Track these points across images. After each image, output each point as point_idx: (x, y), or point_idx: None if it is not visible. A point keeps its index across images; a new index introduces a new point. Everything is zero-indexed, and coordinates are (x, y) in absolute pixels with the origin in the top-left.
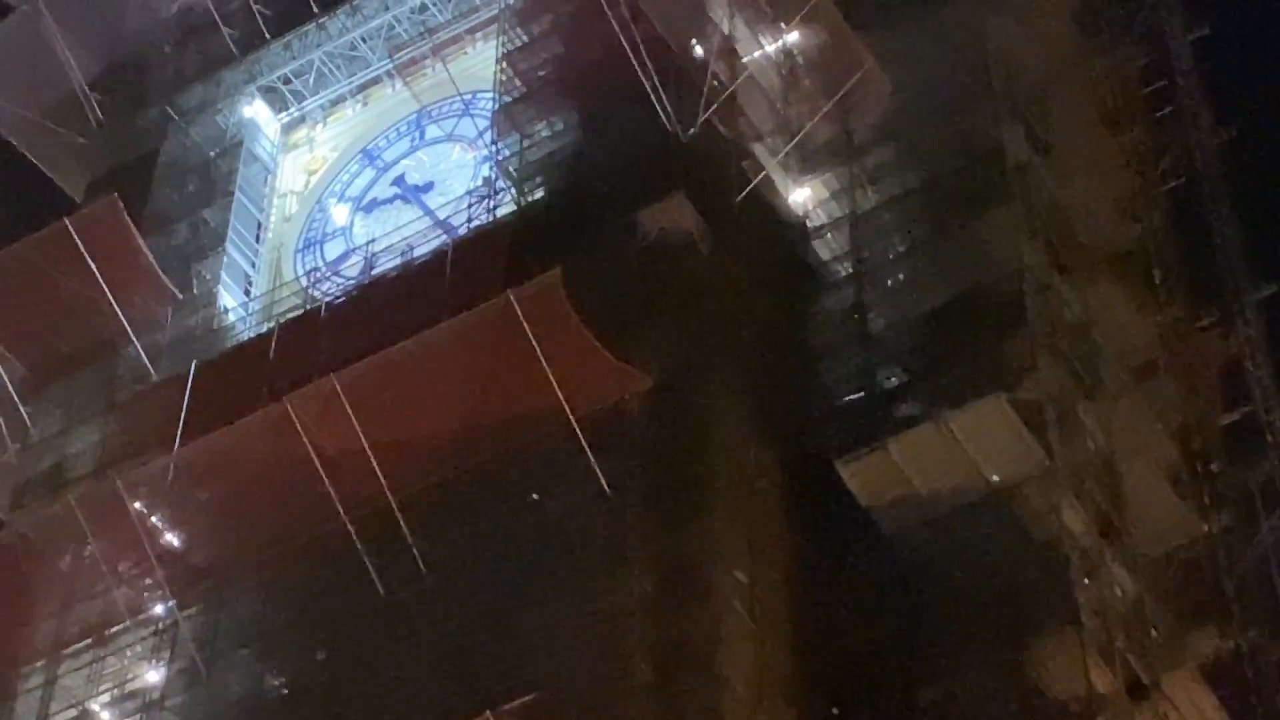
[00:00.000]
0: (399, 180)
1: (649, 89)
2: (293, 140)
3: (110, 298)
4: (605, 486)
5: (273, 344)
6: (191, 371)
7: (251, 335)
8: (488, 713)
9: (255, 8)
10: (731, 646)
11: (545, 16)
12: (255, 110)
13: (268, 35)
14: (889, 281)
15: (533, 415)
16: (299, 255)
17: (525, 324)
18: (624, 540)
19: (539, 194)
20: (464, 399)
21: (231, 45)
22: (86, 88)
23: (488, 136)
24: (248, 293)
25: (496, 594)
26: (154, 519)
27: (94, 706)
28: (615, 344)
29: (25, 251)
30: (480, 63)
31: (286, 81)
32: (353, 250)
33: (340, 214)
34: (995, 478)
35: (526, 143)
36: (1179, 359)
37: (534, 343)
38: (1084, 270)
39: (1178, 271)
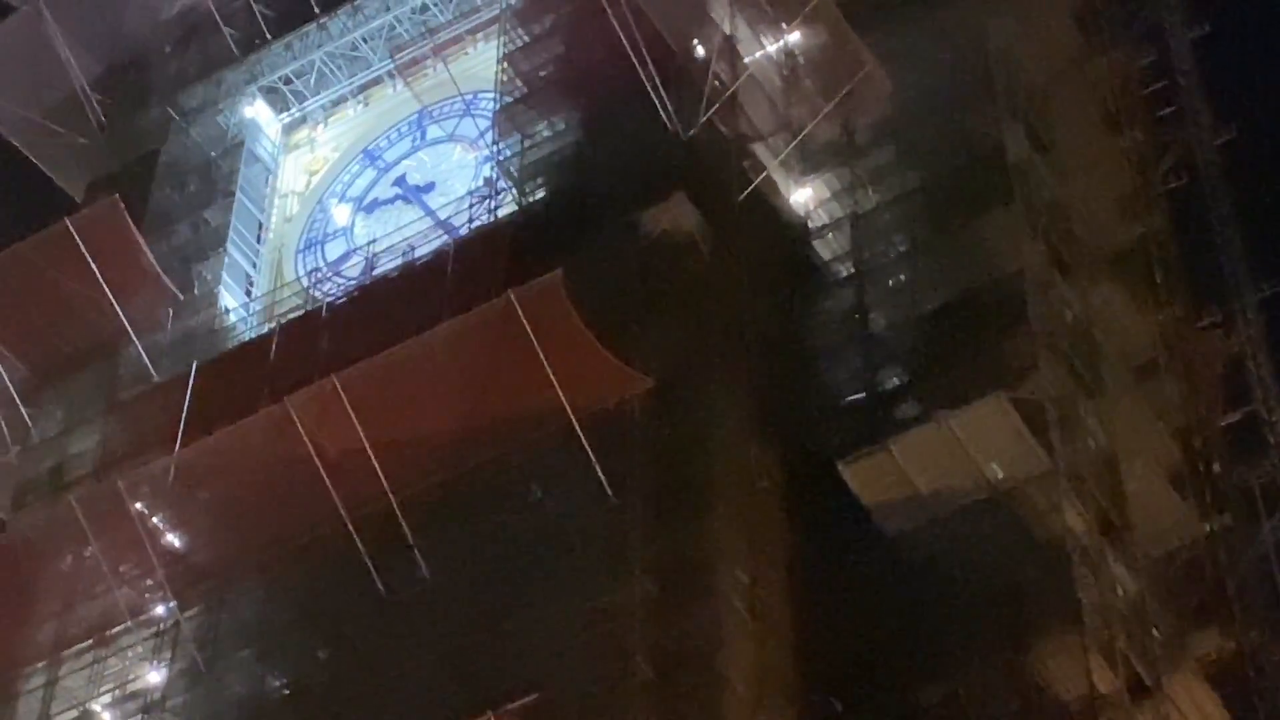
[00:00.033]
0: (400, 180)
1: (650, 89)
2: (294, 140)
3: (111, 298)
4: (606, 487)
5: (274, 344)
6: (192, 372)
7: (252, 336)
8: (489, 713)
9: (256, 8)
10: (732, 646)
11: (546, 17)
12: (256, 110)
13: (269, 35)
14: (890, 281)
15: (534, 415)
16: (300, 256)
17: (526, 324)
18: (625, 540)
19: (540, 194)
20: (465, 399)
21: (232, 45)
22: (87, 88)
23: (489, 137)
24: (249, 293)
25: (497, 594)
26: (155, 519)
27: (95, 707)
28: (616, 344)
29: (26, 252)
30: (481, 63)
31: (288, 82)
32: (354, 250)
33: (341, 214)
34: (996, 478)
35: (528, 143)
36: (1180, 359)
37: (535, 343)
38: (1085, 270)
39: (1178, 271)
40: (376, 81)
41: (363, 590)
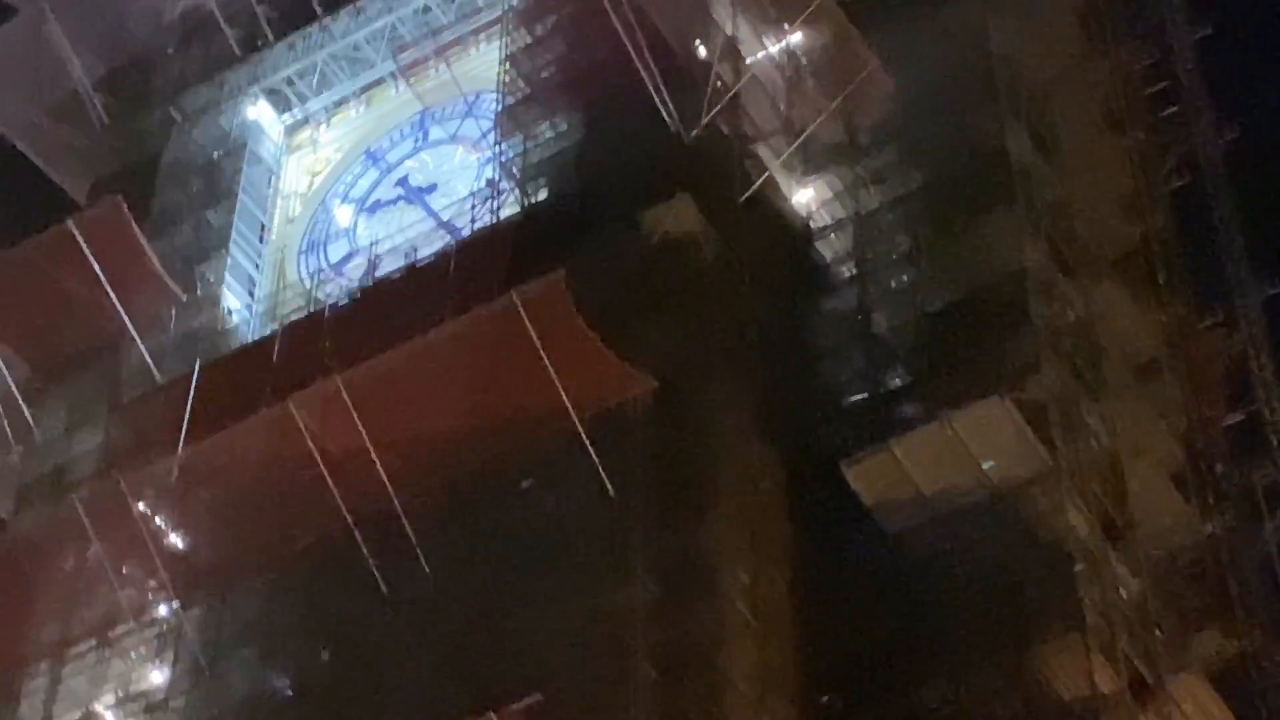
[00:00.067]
0: (402, 181)
1: (652, 90)
2: (296, 141)
3: (114, 299)
4: (608, 486)
5: (276, 345)
6: (195, 372)
7: (255, 336)
8: (491, 713)
9: (259, 9)
10: (734, 646)
11: (549, 17)
12: (259, 111)
13: (271, 36)
14: (892, 282)
15: (536, 416)
16: (303, 256)
17: (529, 325)
18: (627, 540)
19: (542, 195)
20: (467, 400)
21: (235, 46)
22: (90, 89)
23: (491, 137)
24: (251, 294)
25: (499, 594)
26: (158, 520)
27: (98, 707)
28: (618, 344)
29: (29, 253)
30: (484, 64)
31: (290, 83)
32: (356, 251)
33: (344, 215)
34: (998, 478)
35: (530, 143)
36: (1182, 359)
37: (538, 343)
38: (1087, 270)
39: (1181, 271)
40: (379, 82)
41: (365, 590)
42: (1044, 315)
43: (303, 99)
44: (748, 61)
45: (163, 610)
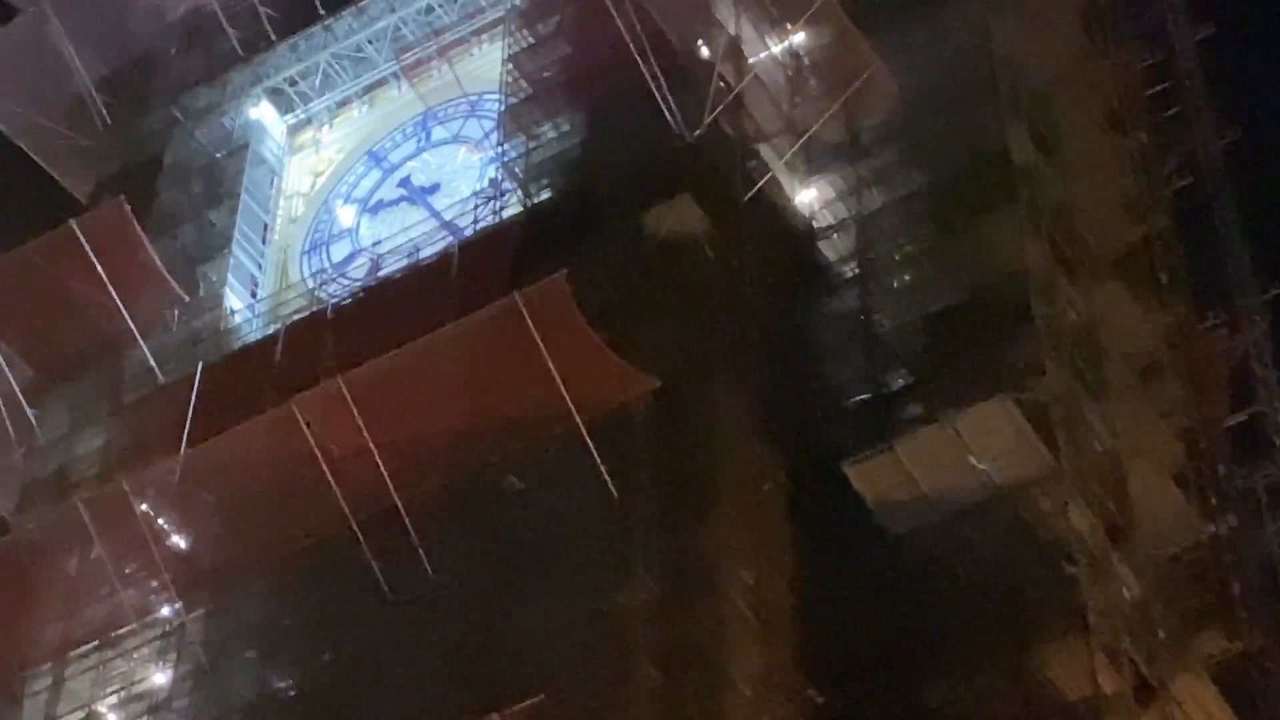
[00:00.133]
0: (405, 182)
1: (655, 90)
2: (299, 142)
3: (116, 300)
4: (611, 487)
5: (279, 346)
6: (198, 373)
7: (258, 337)
8: (493, 715)
9: (261, 9)
10: (736, 646)
11: (551, 18)
12: (261, 112)
13: (273, 37)
14: (894, 282)
15: (539, 416)
16: (305, 257)
17: (531, 325)
18: (629, 541)
19: (545, 195)
20: (470, 400)
21: (237, 47)
22: (92, 90)
23: (494, 138)
24: (254, 294)
25: (501, 595)
26: (160, 521)
27: (100, 709)
28: (621, 345)
29: (31, 254)
30: (486, 64)
31: (292, 83)
32: (359, 252)
33: (346, 216)
34: (1000, 479)
35: (532, 144)
36: (1185, 360)
37: (540, 344)
38: (1089, 271)
39: (1183, 272)
40: (382, 83)
41: (367, 591)
42: (1045, 316)
43: (305, 99)
44: (750, 62)
45: (165, 611)
